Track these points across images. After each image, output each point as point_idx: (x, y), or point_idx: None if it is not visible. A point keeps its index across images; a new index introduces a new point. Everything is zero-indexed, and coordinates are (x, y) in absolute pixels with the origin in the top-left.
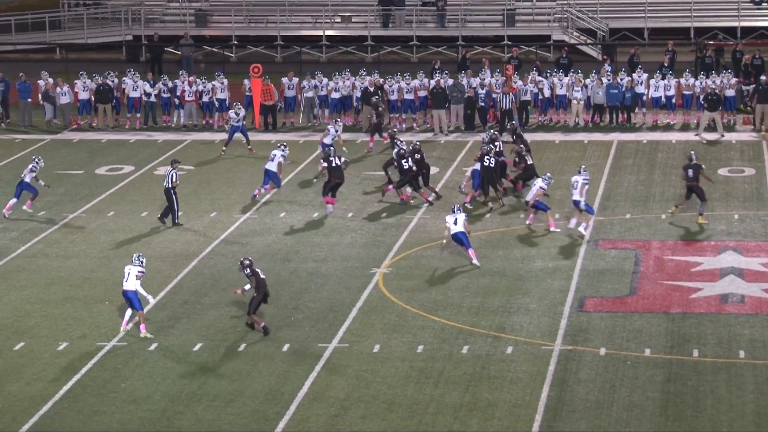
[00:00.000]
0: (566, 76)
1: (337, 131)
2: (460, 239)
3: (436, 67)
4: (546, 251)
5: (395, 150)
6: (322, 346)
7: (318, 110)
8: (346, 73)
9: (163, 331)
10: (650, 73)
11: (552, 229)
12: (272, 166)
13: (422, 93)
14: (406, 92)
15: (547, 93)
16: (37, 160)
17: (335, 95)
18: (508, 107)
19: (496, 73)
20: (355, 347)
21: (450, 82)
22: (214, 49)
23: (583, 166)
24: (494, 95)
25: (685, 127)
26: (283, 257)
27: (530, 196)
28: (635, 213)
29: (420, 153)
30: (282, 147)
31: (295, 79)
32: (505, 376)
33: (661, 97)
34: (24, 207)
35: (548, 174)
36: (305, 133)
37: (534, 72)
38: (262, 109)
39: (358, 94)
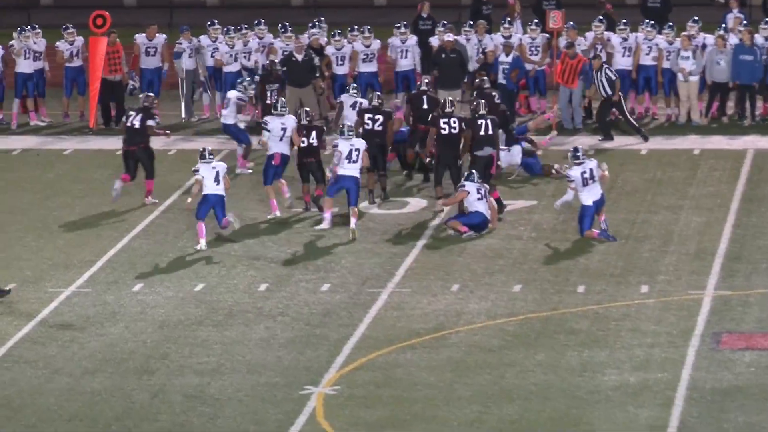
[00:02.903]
0: (660, 33)
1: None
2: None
3: (424, 15)
4: (624, 354)
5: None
6: None
7: (202, 91)
8: (260, 26)
9: None
10: None
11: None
12: (229, 118)
13: (405, 63)
14: (364, 59)
15: (622, 63)
16: (246, 83)
17: (231, 68)
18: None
19: (531, 27)
20: None
21: (434, 40)
22: None
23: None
24: (530, 66)
25: None
26: (140, 366)
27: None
28: None
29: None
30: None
31: (161, 38)
32: None
33: None
34: (239, 169)
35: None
36: (183, 135)
37: (599, 24)
38: (103, 91)
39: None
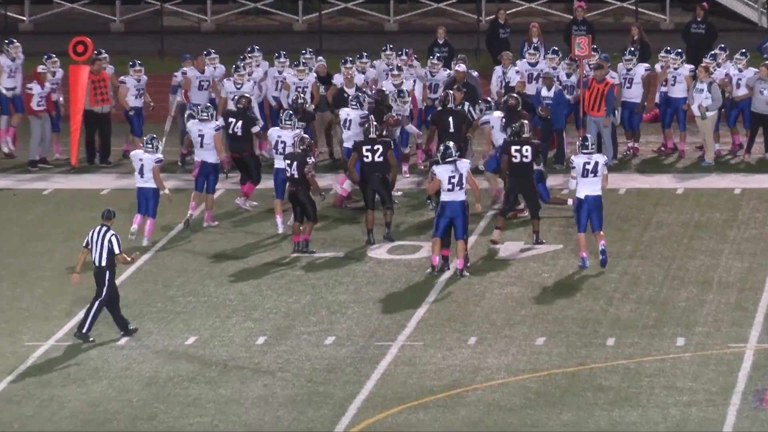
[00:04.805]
0: (685, 61)
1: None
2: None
3: (440, 41)
4: (659, 413)
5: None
6: None
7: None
8: (255, 53)
9: None
10: None
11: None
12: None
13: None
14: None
15: (625, 95)
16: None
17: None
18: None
19: (550, 55)
20: None
21: (444, 73)
22: None
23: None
24: (570, 96)
25: None
26: (126, 427)
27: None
28: None
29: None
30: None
31: (210, 69)
32: None
33: None
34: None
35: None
36: (177, 174)
37: (632, 48)
38: (86, 123)
39: (292, 96)
